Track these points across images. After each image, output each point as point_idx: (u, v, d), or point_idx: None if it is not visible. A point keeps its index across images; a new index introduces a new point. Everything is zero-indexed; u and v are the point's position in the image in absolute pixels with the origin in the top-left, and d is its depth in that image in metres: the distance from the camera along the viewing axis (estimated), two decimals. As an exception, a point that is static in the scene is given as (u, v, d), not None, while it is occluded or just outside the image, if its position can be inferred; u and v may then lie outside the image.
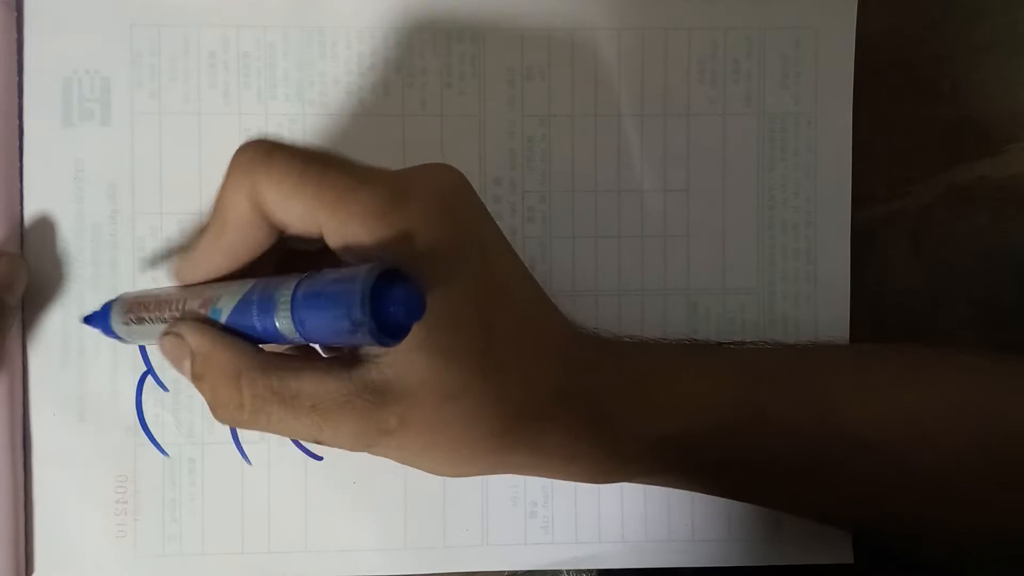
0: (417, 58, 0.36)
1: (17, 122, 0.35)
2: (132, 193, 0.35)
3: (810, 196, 0.37)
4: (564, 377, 0.29)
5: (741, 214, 0.37)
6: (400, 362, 0.26)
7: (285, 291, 0.25)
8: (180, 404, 0.35)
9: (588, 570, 0.37)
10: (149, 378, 0.35)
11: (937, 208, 0.38)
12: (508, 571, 0.36)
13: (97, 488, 0.35)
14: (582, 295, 0.37)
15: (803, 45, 0.37)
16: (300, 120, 0.36)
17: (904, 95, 0.38)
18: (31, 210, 0.35)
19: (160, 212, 0.35)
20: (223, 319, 0.27)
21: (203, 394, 0.27)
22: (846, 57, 0.37)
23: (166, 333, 0.28)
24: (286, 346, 0.29)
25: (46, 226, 0.35)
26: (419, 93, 0.36)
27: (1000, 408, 0.32)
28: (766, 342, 0.35)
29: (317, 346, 0.30)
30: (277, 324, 0.25)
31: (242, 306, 0.27)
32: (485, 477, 0.36)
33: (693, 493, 0.36)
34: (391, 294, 0.23)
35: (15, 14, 0.34)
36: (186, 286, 0.29)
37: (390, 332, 0.23)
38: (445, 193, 0.27)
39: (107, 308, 0.32)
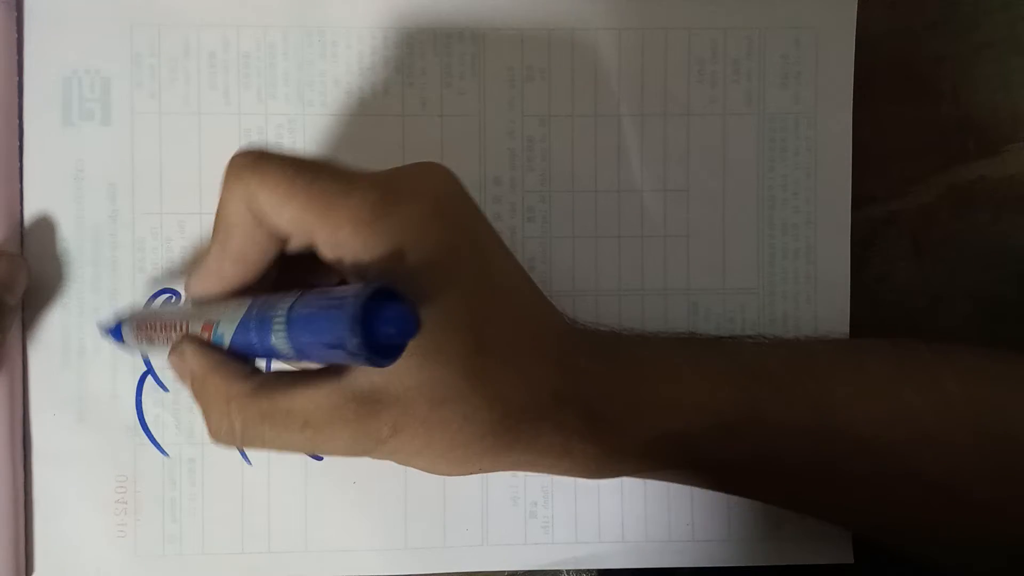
0: (417, 58, 0.36)
1: (17, 122, 0.35)
2: (132, 193, 0.35)
3: (810, 196, 0.37)
4: (559, 378, 0.29)
5: (741, 214, 0.37)
6: (391, 370, 0.26)
7: (281, 311, 0.25)
8: (180, 404, 0.35)
9: (588, 570, 0.37)
10: (149, 378, 0.35)
11: (937, 208, 0.38)
12: (508, 571, 0.36)
13: (97, 488, 0.35)
14: (582, 295, 0.37)
15: (803, 45, 0.37)
16: (300, 120, 0.36)
17: (904, 95, 0.38)
18: (31, 210, 0.35)
19: (160, 212, 0.35)
20: (226, 339, 0.27)
21: (200, 412, 0.28)
22: (846, 57, 0.37)
23: (173, 349, 0.29)
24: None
25: (46, 226, 0.35)
26: (419, 93, 0.36)
27: (1001, 408, 0.32)
28: (764, 336, 0.35)
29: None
30: (274, 344, 0.25)
31: (242, 325, 0.27)
32: (485, 477, 0.36)
33: (692, 493, 0.36)
34: (383, 314, 0.23)
35: (15, 14, 0.34)
36: (193, 304, 0.30)
37: (383, 352, 0.23)
38: (436, 194, 0.27)
39: (120, 324, 0.33)
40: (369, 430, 0.26)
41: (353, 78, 0.36)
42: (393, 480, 0.36)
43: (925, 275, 0.38)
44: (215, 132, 0.36)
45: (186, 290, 0.30)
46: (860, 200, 0.37)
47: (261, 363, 0.32)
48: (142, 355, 0.34)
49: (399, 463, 0.29)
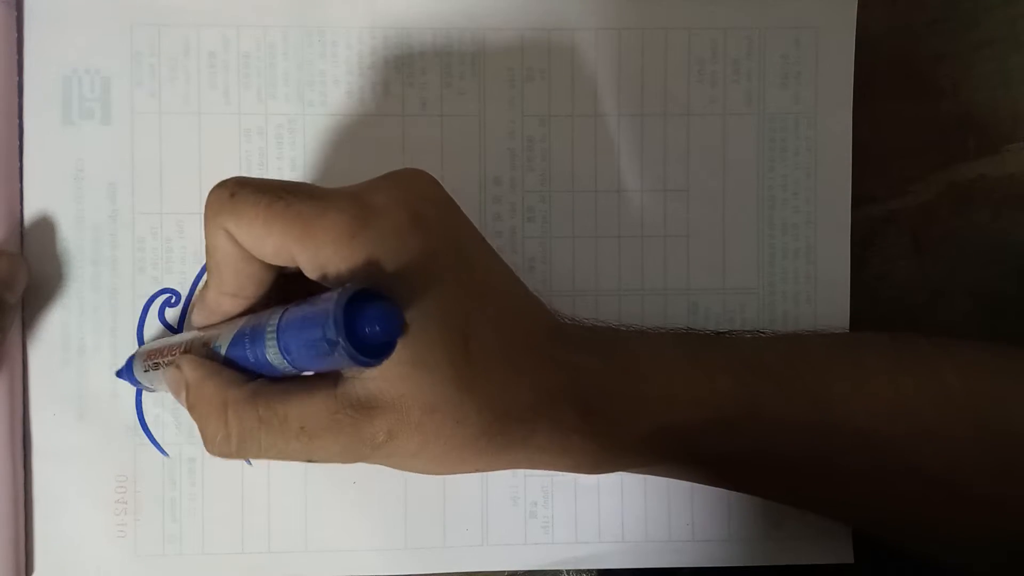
0: (417, 58, 0.36)
1: (17, 121, 0.35)
2: (132, 193, 0.35)
3: (810, 196, 0.37)
4: (551, 376, 0.29)
5: (741, 214, 0.37)
6: (382, 376, 0.26)
7: (272, 321, 0.26)
8: (179, 405, 0.35)
9: (588, 570, 0.37)
10: (149, 378, 0.35)
11: (937, 206, 0.38)
12: (508, 571, 0.36)
13: (97, 488, 0.35)
14: (582, 295, 0.37)
15: (803, 45, 0.37)
16: (300, 120, 0.36)
17: (904, 93, 0.38)
18: (31, 209, 0.35)
19: (160, 212, 0.35)
20: (222, 354, 0.28)
21: (195, 423, 0.28)
22: (846, 57, 0.37)
23: (168, 364, 0.29)
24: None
25: (46, 226, 0.35)
26: (419, 93, 0.36)
27: (1002, 402, 0.32)
28: (762, 332, 0.35)
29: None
30: (267, 354, 0.26)
31: (237, 340, 0.28)
32: (485, 477, 0.36)
33: (692, 492, 0.36)
34: (366, 314, 0.24)
35: (15, 13, 0.34)
36: (198, 329, 0.31)
37: (370, 352, 0.24)
38: (413, 201, 0.27)
39: (130, 361, 0.34)
40: (364, 435, 0.27)
41: (353, 78, 0.36)
42: (393, 480, 0.36)
43: (925, 272, 0.38)
44: (215, 132, 0.36)
45: (192, 325, 0.31)
46: (860, 199, 0.37)
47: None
48: (150, 390, 0.34)
49: (395, 468, 0.29)
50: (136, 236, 0.35)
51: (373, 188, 0.27)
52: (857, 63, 0.37)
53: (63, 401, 0.35)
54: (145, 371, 0.32)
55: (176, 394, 0.29)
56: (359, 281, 0.25)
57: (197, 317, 0.31)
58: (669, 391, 0.31)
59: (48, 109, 0.35)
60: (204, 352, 0.29)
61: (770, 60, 0.37)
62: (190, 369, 0.28)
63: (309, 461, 0.28)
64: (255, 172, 0.36)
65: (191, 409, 0.28)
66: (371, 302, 0.24)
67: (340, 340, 0.23)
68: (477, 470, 0.30)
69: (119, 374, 0.35)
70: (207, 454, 0.35)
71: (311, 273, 0.27)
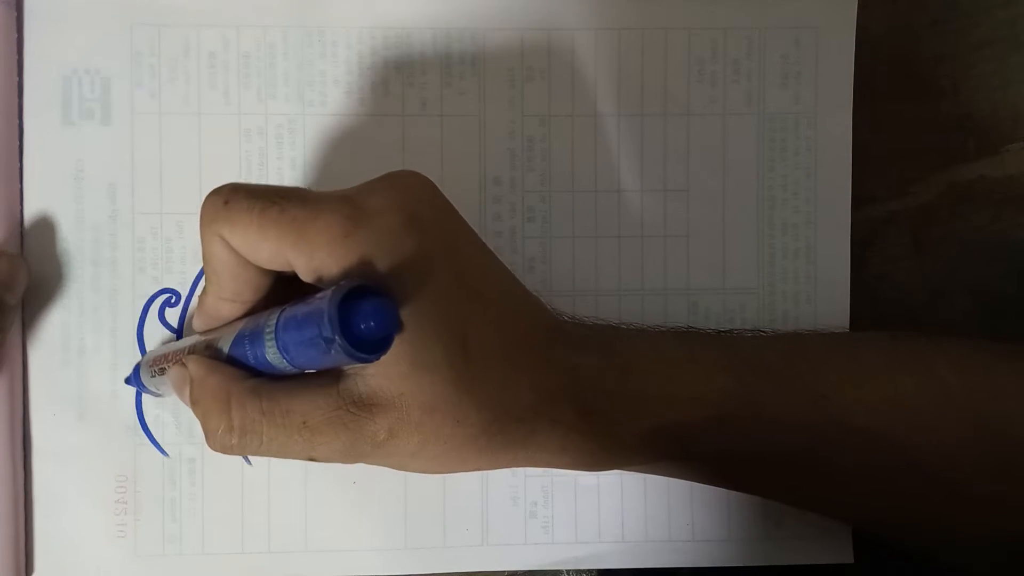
0: (417, 58, 0.36)
1: (17, 121, 0.35)
2: (132, 193, 0.35)
3: (810, 196, 0.37)
4: (551, 375, 0.29)
5: (741, 214, 0.37)
6: (383, 374, 0.26)
7: (270, 321, 0.26)
8: (180, 404, 0.35)
9: (588, 570, 0.37)
10: (149, 378, 0.35)
11: (937, 207, 0.38)
12: (508, 571, 0.36)
13: (97, 488, 0.35)
14: (582, 295, 0.37)
15: (803, 45, 0.37)
16: (300, 120, 0.36)
17: (904, 94, 0.38)
18: (31, 210, 0.35)
19: (160, 212, 0.35)
20: (223, 355, 0.28)
21: (198, 419, 0.28)
22: (846, 57, 0.37)
23: (173, 364, 0.30)
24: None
25: (46, 226, 0.35)
26: (419, 93, 0.36)
27: (1001, 401, 0.32)
28: (762, 331, 0.35)
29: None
30: (267, 355, 0.26)
31: (237, 342, 0.28)
32: (485, 477, 0.36)
33: (692, 492, 0.36)
34: (361, 310, 0.24)
35: (15, 13, 0.34)
36: (200, 333, 0.31)
37: (366, 348, 0.24)
38: (408, 203, 0.27)
39: (137, 367, 0.34)
40: (365, 433, 0.27)
41: (353, 78, 0.36)
42: (393, 480, 0.36)
43: (925, 273, 0.38)
44: (215, 132, 0.36)
45: (193, 331, 0.31)
46: (860, 199, 0.37)
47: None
48: (157, 395, 0.34)
49: (395, 468, 0.29)
50: (136, 236, 0.35)
51: (367, 190, 0.27)
52: (857, 63, 0.37)
53: (63, 401, 0.35)
54: (152, 376, 0.32)
55: (179, 391, 0.29)
56: (353, 279, 0.25)
57: (197, 322, 0.31)
58: (669, 390, 0.31)
59: (48, 109, 0.35)
60: (207, 354, 0.29)
61: (770, 60, 0.37)
62: (194, 365, 0.28)
63: (310, 459, 0.28)
64: (255, 172, 0.36)
65: (194, 404, 0.28)
66: (366, 298, 0.24)
67: (336, 337, 0.23)
68: (477, 469, 0.30)
69: (128, 381, 0.35)
70: (207, 454, 0.35)
71: (306, 277, 0.27)
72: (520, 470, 0.36)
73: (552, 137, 0.36)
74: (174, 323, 0.35)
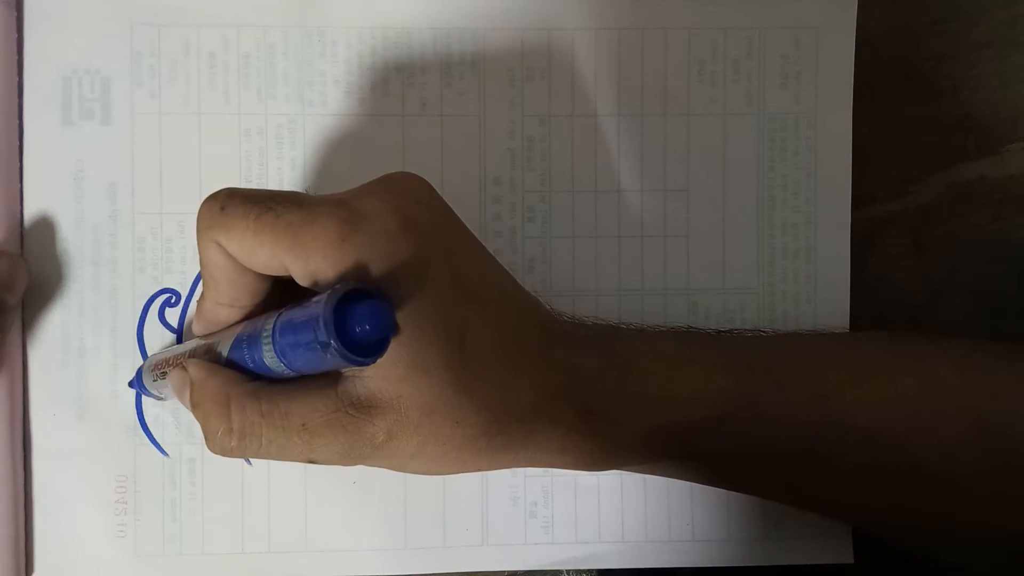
0: (417, 58, 0.36)
1: (17, 122, 0.35)
2: (132, 193, 0.35)
3: (810, 196, 0.37)
4: (550, 376, 0.29)
5: (741, 214, 0.37)
6: (381, 376, 0.27)
7: (267, 326, 0.26)
8: (180, 405, 0.35)
9: (588, 570, 0.37)
10: (149, 378, 0.35)
11: (937, 207, 0.38)
12: (508, 571, 0.36)
13: (97, 488, 0.35)
14: (582, 295, 0.37)
15: (803, 45, 0.37)
16: (300, 120, 0.36)
17: (904, 94, 0.38)
18: (31, 210, 0.35)
19: (160, 212, 0.35)
20: (223, 360, 0.29)
21: (198, 421, 0.28)
22: (846, 57, 0.37)
23: (174, 367, 0.30)
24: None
25: (46, 226, 0.35)
26: (419, 93, 0.36)
27: (1001, 401, 0.32)
28: (762, 331, 0.35)
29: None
30: (264, 359, 0.26)
31: (235, 346, 0.28)
32: (485, 478, 0.36)
33: (692, 492, 0.36)
34: (356, 313, 0.24)
35: (15, 13, 0.34)
36: (200, 338, 0.31)
37: (362, 351, 0.24)
38: (404, 206, 0.27)
39: (140, 372, 0.34)
40: (364, 435, 0.27)
41: (353, 78, 0.36)
42: (393, 480, 0.36)
43: (925, 272, 0.38)
44: (215, 132, 0.36)
45: (193, 334, 0.32)
46: (860, 199, 0.37)
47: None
48: (159, 399, 0.34)
49: (394, 469, 0.29)
50: (136, 236, 0.35)
51: (363, 193, 0.28)
52: (857, 63, 0.37)
53: (63, 401, 0.35)
54: (154, 380, 0.32)
55: (180, 394, 0.29)
56: (348, 282, 0.25)
57: (196, 327, 0.31)
58: (669, 390, 0.31)
59: (48, 109, 0.35)
60: (208, 358, 0.29)
61: (770, 60, 0.37)
62: (194, 369, 0.28)
63: (310, 461, 0.28)
64: (255, 172, 0.36)
65: (194, 407, 0.28)
66: (361, 302, 0.24)
67: (331, 341, 0.23)
68: (477, 470, 0.30)
69: (131, 385, 0.35)
70: (207, 454, 0.35)
71: (303, 281, 0.27)
72: (520, 470, 0.36)
73: (552, 137, 0.36)
74: (174, 323, 0.35)
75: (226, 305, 0.29)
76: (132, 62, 0.35)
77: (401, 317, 0.26)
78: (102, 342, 0.35)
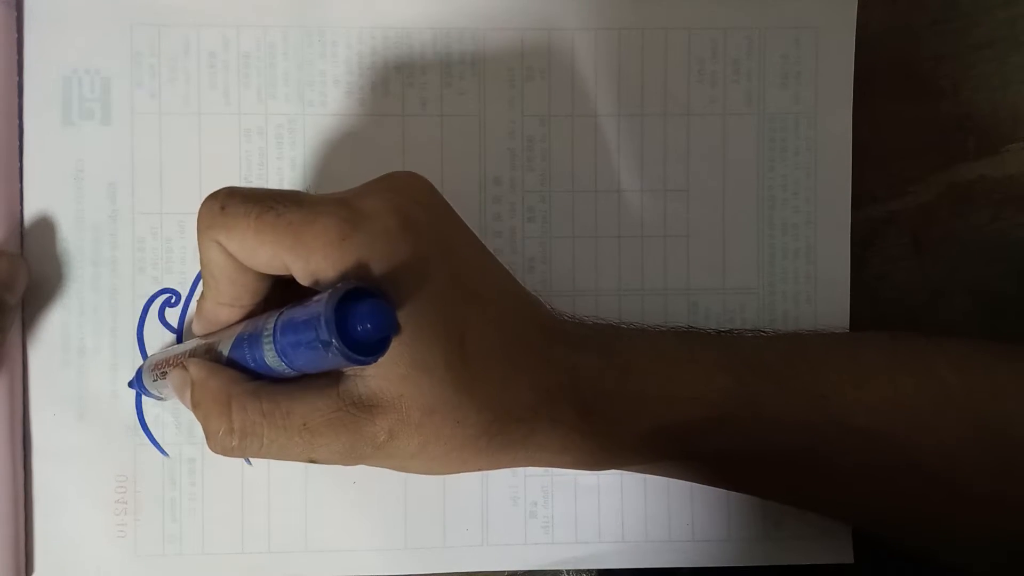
0: (417, 58, 0.36)
1: (17, 121, 0.35)
2: (132, 193, 0.35)
3: (810, 196, 0.37)
4: (550, 376, 0.29)
5: (741, 214, 0.37)
6: (382, 376, 0.27)
7: (268, 325, 0.26)
8: (180, 405, 0.35)
9: (588, 570, 0.37)
10: (149, 378, 0.35)
11: (937, 207, 0.38)
12: (508, 571, 0.36)
13: (97, 488, 0.35)
14: (582, 295, 0.37)
15: (803, 45, 0.37)
16: (300, 120, 0.36)
17: (904, 94, 0.38)
18: (31, 210, 0.35)
19: (160, 212, 0.35)
20: (223, 359, 0.29)
21: (199, 421, 0.28)
22: (846, 57, 0.37)
23: (174, 367, 0.30)
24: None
25: (46, 226, 0.35)
26: (419, 93, 0.36)
27: (1001, 401, 0.32)
28: (762, 331, 0.35)
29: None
30: (265, 358, 0.26)
31: (236, 345, 0.28)
32: (485, 478, 0.36)
33: (693, 492, 0.36)
34: (357, 312, 0.24)
35: (15, 13, 0.34)
36: (200, 337, 0.31)
37: (364, 350, 0.24)
38: (404, 205, 0.27)
39: (140, 372, 0.34)
40: (366, 434, 0.27)
41: (353, 78, 0.36)
42: (393, 480, 0.36)
43: (925, 272, 0.38)
44: (215, 132, 0.36)
45: (193, 334, 0.31)
46: (860, 199, 0.37)
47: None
48: (159, 398, 0.34)
49: (395, 469, 0.29)
50: (136, 236, 0.35)
51: (364, 193, 0.28)
52: (857, 63, 0.37)
53: (63, 401, 0.35)
54: (154, 380, 0.32)
55: (180, 394, 0.29)
56: (349, 281, 0.25)
57: (197, 327, 0.31)
58: (669, 390, 0.31)
59: (48, 109, 0.35)
60: (208, 357, 0.29)
61: (770, 60, 0.37)
62: (195, 368, 0.28)
63: (310, 461, 0.28)
64: (255, 172, 0.36)
65: (195, 407, 0.28)
66: (362, 300, 0.24)
67: (333, 340, 0.23)
68: (478, 469, 0.30)
69: (131, 385, 0.35)
70: (207, 454, 0.35)
71: (304, 280, 0.27)
72: (520, 470, 0.36)
73: (552, 137, 0.36)
74: (174, 323, 0.35)
75: (226, 305, 0.29)
76: (132, 62, 0.35)
77: (402, 316, 0.26)
78: (102, 342, 0.35)
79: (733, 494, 0.36)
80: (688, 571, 0.36)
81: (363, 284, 0.25)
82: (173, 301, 0.35)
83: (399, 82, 0.36)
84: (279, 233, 0.26)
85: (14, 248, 0.34)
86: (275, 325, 0.26)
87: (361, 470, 0.35)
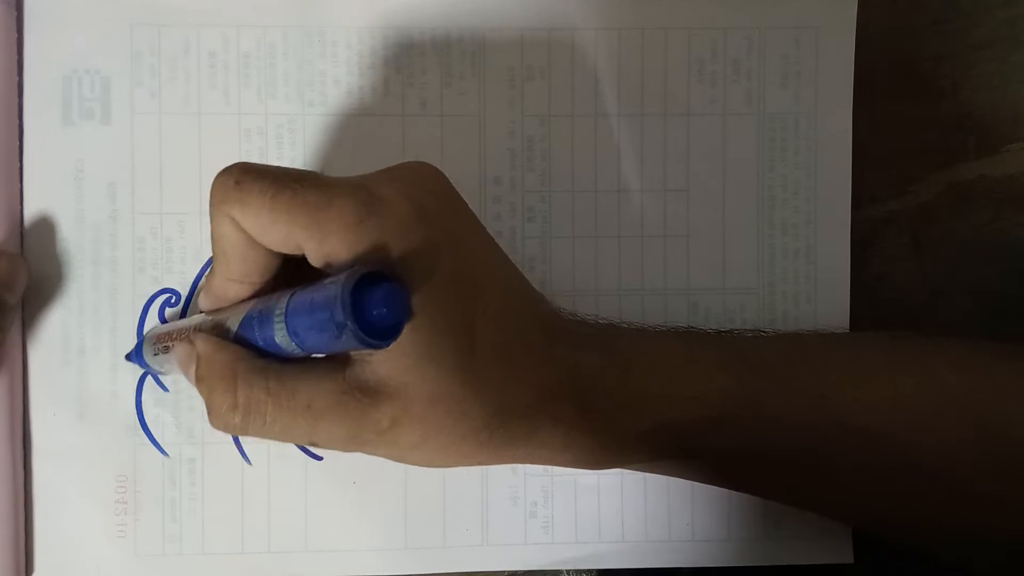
0: (417, 58, 0.36)
1: (17, 121, 0.35)
2: (132, 193, 0.35)
3: (810, 196, 0.37)
4: (552, 373, 0.29)
5: (741, 214, 0.37)
6: (390, 362, 0.26)
7: (280, 304, 0.26)
8: (180, 404, 0.35)
9: (588, 570, 0.37)
10: (149, 378, 0.35)
11: (937, 207, 0.38)
12: (508, 571, 0.36)
13: (97, 488, 0.35)
14: (582, 295, 0.37)
15: (803, 45, 0.37)
16: (300, 120, 0.36)
17: (904, 94, 0.38)
18: (31, 210, 0.35)
19: (160, 212, 0.35)
20: (231, 336, 0.28)
21: (202, 397, 0.28)
22: (846, 57, 0.37)
23: (180, 340, 0.29)
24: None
25: (46, 226, 0.35)
26: (419, 93, 0.36)
27: (1001, 400, 0.32)
28: (762, 331, 0.35)
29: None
30: (275, 337, 0.26)
31: (245, 323, 0.28)
32: (485, 477, 0.36)
33: (693, 492, 0.36)
34: (373, 296, 0.24)
35: (15, 13, 0.34)
36: (207, 313, 0.31)
37: (377, 334, 0.24)
38: (417, 194, 0.27)
39: (139, 345, 0.34)
40: (369, 420, 0.27)
41: (353, 78, 0.36)
42: (393, 480, 0.36)
43: (925, 272, 0.38)
44: (215, 132, 0.36)
45: (200, 309, 0.31)
46: (860, 199, 0.37)
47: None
48: (159, 373, 0.34)
49: (396, 459, 0.29)
50: (136, 236, 0.35)
51: (379, 179, 0.27)
52: (857, 63, 0.37)
53: (63, 401, 0.35)
54: (155, 354, 0.32)
55: (185, 368, 0.29)
56: (366, 264, 0.25)
57: (204, 302, 0.31)
58: (669, 389, 0.31)
59: (48, 109, 0.35)
60: (215, 333, 0.29)
61: (770, 60, 0.37)
62: (202, 342, 0.28)
63: (311, 444, 0.28)
64: (255, 172, 0.36)
65: (199, 381, 0.28)
66: (378, 285, 0.24)
67: (348, 322, 0.23)
68: (478, 463, 0.30)
69: (128, 357, 0.35)
70: (207, 454, 0.35)
71: (316, 261, 0.27)
72: (520, 470, 0.36)
73: (552, 137, 0.36)
74: (174, 323, 0.35)
75: (236, 281, 0.29)
76: (132, 62, 0.35)
77: (414, 304, 0.26)
78: (102, 342, 0.35)
79: (733, 494, 0.36)
80: (688, 571, 0.36)
81: (379, 268, 0.25)
82: (173, 301, 0.35)
83: (399, 82, 0.36)
84: (295, 212, 0.26)
85: (14, 248, 0.34)
86: (287, 304, 0.26)
87: (361, 470, 0.35)
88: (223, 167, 0.28)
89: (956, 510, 0.32)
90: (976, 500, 0.31)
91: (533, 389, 0.29)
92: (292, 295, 0.26)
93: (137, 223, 0.35)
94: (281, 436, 0.27)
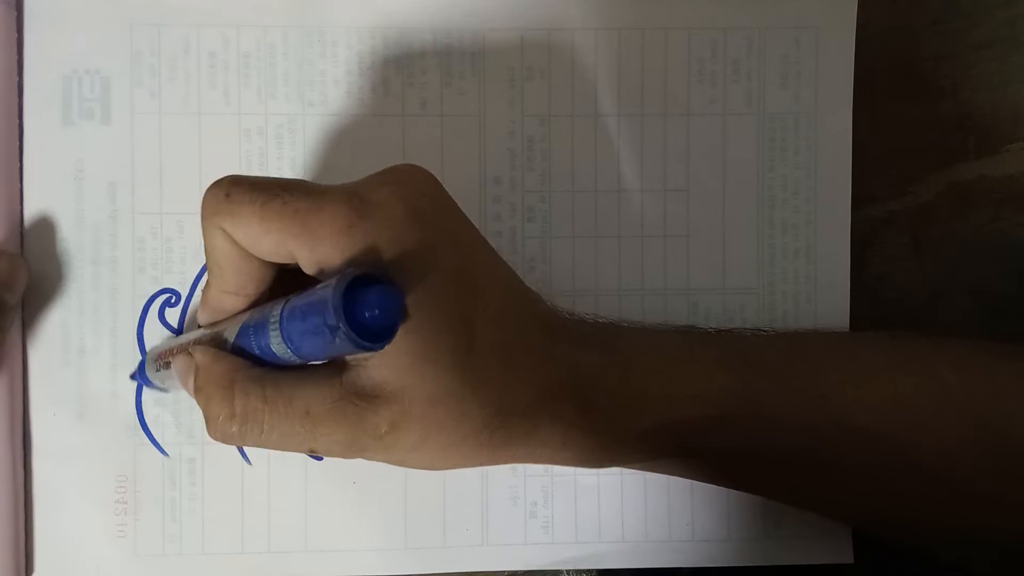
0: (417, 58, 0.36)
1: (17, 121, 0.35)
2: (132, 193, 0.35)
3: (810, 196, 0.37)
4: (551, 373, 0.29)
5: (741, 214, 0.37)
6: (386, 366, 0.26)
7: (275, 312, 0.26)
8: (180, 404, 0.35)
9: (588, 570, 0.37)
10: (149, 378, 0.35)
11: (937, 207, 0.38)
12: (508, 571, 0.36)
13: (97, 488, 0.35)
14: (582, 295, 0.37)
15: (803, 45, 0.37)
16: (300, 120, 0.36)
17: (904, 94, 0.38)
18: (31, 210, 0.35)
19: (160, 212, 0.35)
20: (228, 347, 0.28)
21: (200, 407, 0.28)
22: (846, 57, 0.37)
23: (179, 353, 0.30)
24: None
25: (46, 225, 0.35)
26: (419, 93, 0.36)
27: (1001, 400, 0.32)
28: (763, 330, 0.35)
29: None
30: (271, 345, 0.26)
31: (242, 333, 0.28)
32: (485, 477, 0.36)
33: (693, 492, 0.36)
34: (365, 298, 0.24)
35: (15, 13, 0.34)
36: (205, 327, 0.31)
37: (371, 336, 0.24)
38: (410, 196, 0.27)
39: (142, 363, 0.34)
40: (367, 425, 0.27)
41: (353, 78, 0.36)
42: (393, 480, 0.36)
43: (925, 272, 0.38)
44: (215, 132, 0.36)
45: (198, 323, 0.31)
46: (860, 199, 0.37)
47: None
48: (162, 390, 0.34)
49: (396, 463, 0.29)
50: (136, 236, 0.35)
51: (370, 183, 0.27)
52: (857, 63, 0.37)
53: (63, 401, 0.35)
54: (157, 371, 0.32)
55: (184, 380, 0.29)
56: (357, 267, 0.25)
57: (202, 316, 0.31)
58: (669, 388, 0.31)
59: (48, 109, 0.35)
60: (213, 346, 0.29)
61: (770, 60, 0.37)
62: (200, 354, 0.28)
63: (311, 451, 0.28)
64: (255, 172, 0.36)
65: (197, 392, 0.28)
66: (370, 287, 0.24)
67: (340, 325, 0.23)
68: (479, 464, 0.30)
69: (133, 377, 0.35)
70: (207, 454, 0.35)
71: (309, 269, 0.27)
72: (520, 469, 0.36)
73: (552, 137, 0.36)
74: (174, 323, 0.35)
75: (231, 293, 0.29)
76: (132, 62, 0.35)
77: (408, 305, 0.26)
78: (102, 342, 0.35)
79: (733, 493, 0.36)
80: (688, 571, 0.36)
81: (371, 271, 0.25)
82: (173, 301, 0.35)
83: (399, 82, 0.36)
84: (285, 220, 0.26)
85: (14, 248, 0.34)
86: (281, 311, 0.26)
87: (361, 470, 0.35)
88: (213, 180, 0.28)
89: (956, 510, 0.32)
90: (976, 500, 0.31)
91: (533, 388, 0.29)
92: (286, 302, 0.26)
93: (137, 223, 0.35)
94: (280, 444, 0.27)
